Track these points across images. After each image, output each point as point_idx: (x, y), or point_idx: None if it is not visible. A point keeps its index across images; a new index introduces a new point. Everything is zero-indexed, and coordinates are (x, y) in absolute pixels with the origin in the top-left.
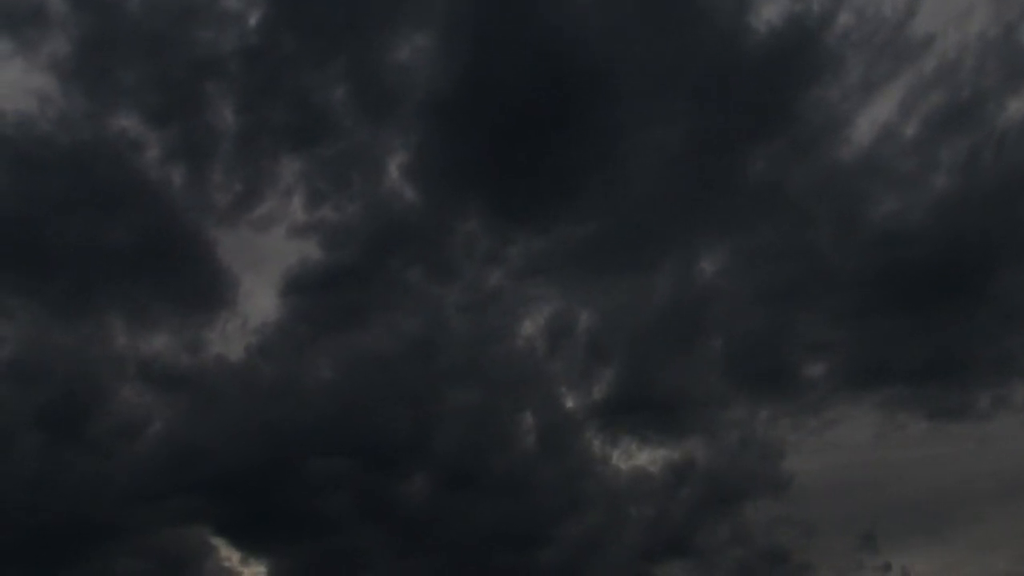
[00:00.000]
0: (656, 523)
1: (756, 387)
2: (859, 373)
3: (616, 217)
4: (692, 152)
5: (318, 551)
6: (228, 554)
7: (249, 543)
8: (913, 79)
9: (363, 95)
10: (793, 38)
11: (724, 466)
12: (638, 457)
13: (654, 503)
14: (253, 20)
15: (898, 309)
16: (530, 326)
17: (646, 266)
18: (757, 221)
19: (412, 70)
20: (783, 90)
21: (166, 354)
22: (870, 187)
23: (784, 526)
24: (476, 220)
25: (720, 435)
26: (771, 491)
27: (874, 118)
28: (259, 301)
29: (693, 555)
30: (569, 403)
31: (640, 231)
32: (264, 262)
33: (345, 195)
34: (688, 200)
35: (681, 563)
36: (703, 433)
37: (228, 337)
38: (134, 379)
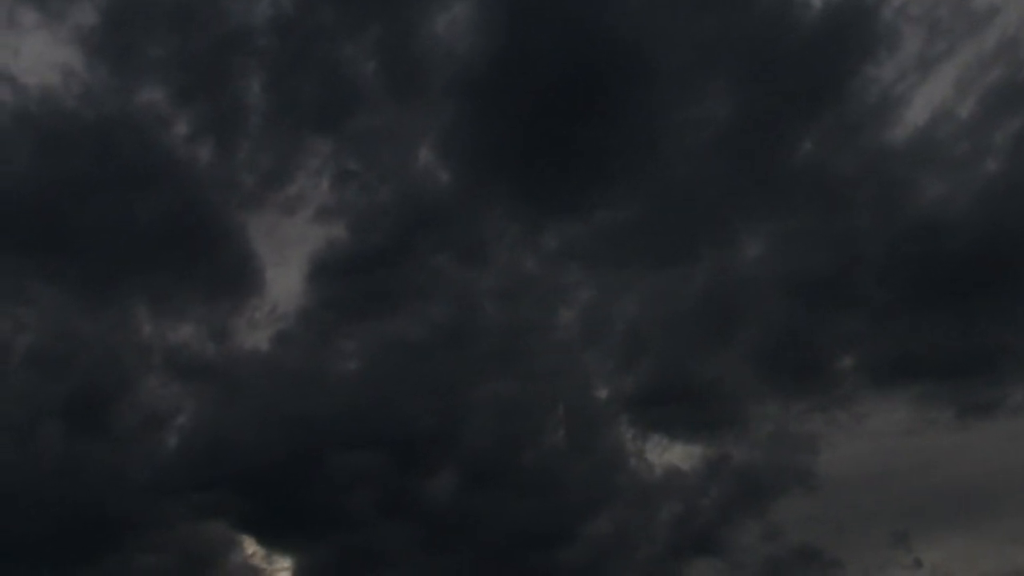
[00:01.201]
0: (685, 520)
1: (788, 380)
2: (891, 366)
3: (654, 202)
4: (735, 135)
5: (343, 547)
6: (252, 550)
7: (274, 539)
8: (972, 56)
9: (394, 71)
10: (848, 10)
11: (755, 461)
12: (669, 452)
13: (684, 499)
14: None
15: (934, 301)
16: (564, 315)
17: (684, 254)
18: (800, 207)
19: (445, 45)
20: (834, 68)
21: (192, 343)
22: (917, 172)
23: (814, 522)
24: (509, 204)
25: (752, 430)
26: (802, 487)
27: (929, 98)
28: (286, 287)
29: (722, 553)
30: (601, 396)
31: (679, 217)
32: (291, 246)
33: (374, 176)
34: (730, 185)
35: (709, 561)
36: (735, 427)
37: (255, 325)
38: (159, 369)
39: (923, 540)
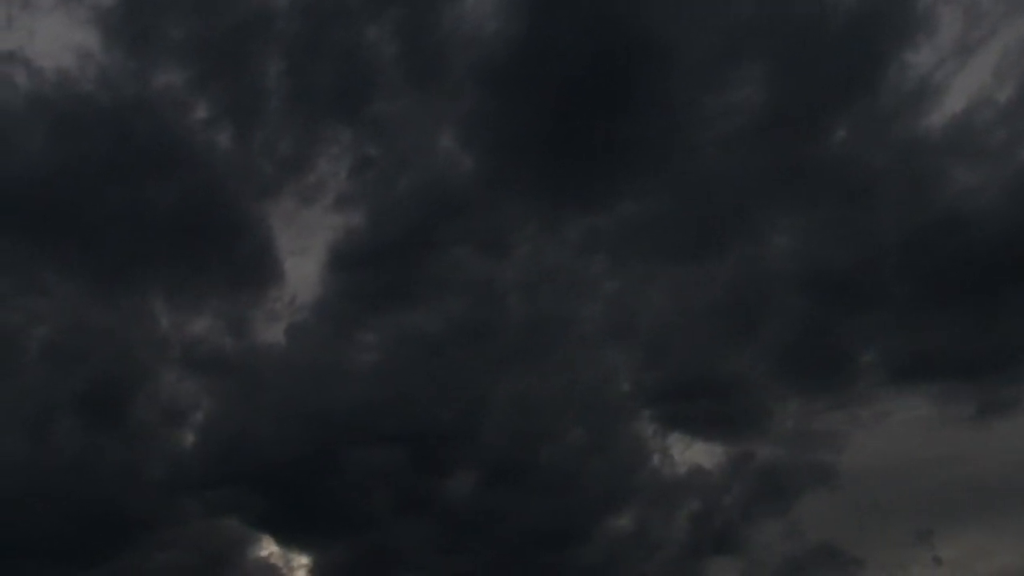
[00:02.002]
0: (704, 517)
1: (810, 377)
2: (913, 363)
3: (680, 194)
4: (764, 124)
5: (361, 545)
6: (270, 548)
7: (291, 537)
8: (1012, 40)
9: (415, 56)
10: None
11: (776, 459)
12: (690, 449)
13: (704, 497)
14: None
15: (958, 296)
16: (587, 309)
17: (710, 248)
18: (828, 200)
19: (467, 30)
20: (870, 54)
21: (209, 336)
22: (949, 162)
23: (835, 520)
24: (532, 194)
25: (773, 426)
26: (823, 484)
27: (966, 84)
28: (304, 277)
29: (741, 551)
30: (623, 391)
31: (704, 210)
32: (310, 234)
33: (394, 164)
34: (757, 177)
35: (728, 560)
36: (756, 424)
37: (273, 317)
38: (175, 363)
39: (944, 537)
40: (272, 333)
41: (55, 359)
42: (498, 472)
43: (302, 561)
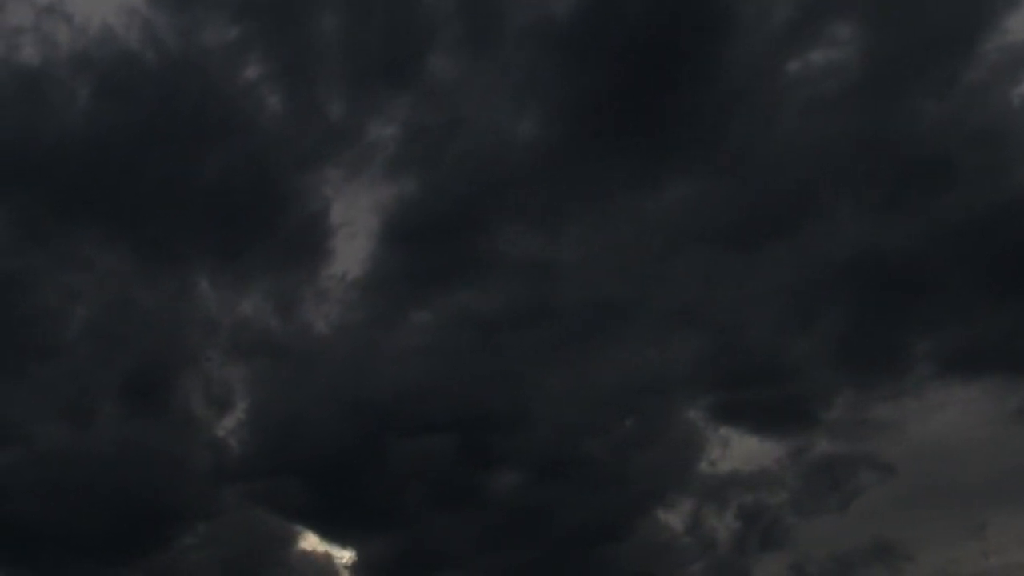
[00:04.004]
0: (754, 512)
1: (864, 367)
2: (969, 354)
3: (748, 175)
4: (844, 94)
5: (404, 540)
6: (313, 541)
7: (334, 530)
8: None
9: (473, 16)
10: None
11: (827, 451)
12: (742, 442)
13: (754, 490)
14: None
15: (1018, 287)
16: (648, 293)
17: (781, 231)
18: (898, 178)
19: None
20: (966, 19)
21: (256, 317)
22: None
23: (886, 513)
24: (593, 168)
25: (825, 418)
26: (876, 478)
27: None
28: (355, 253)
29: (790, 546)
30: (677, 381)
31: (777, 193)
32: (361, 206)
33: (449, 130)
34: (838, 156)
35: (775, 556)
36: (808, 416)
37: (323, 296)
38: (221, 344)
39: (999, 532)
40: (321, 313)
41: (96, 341)
42: (547, 465)
43: (345, 555)
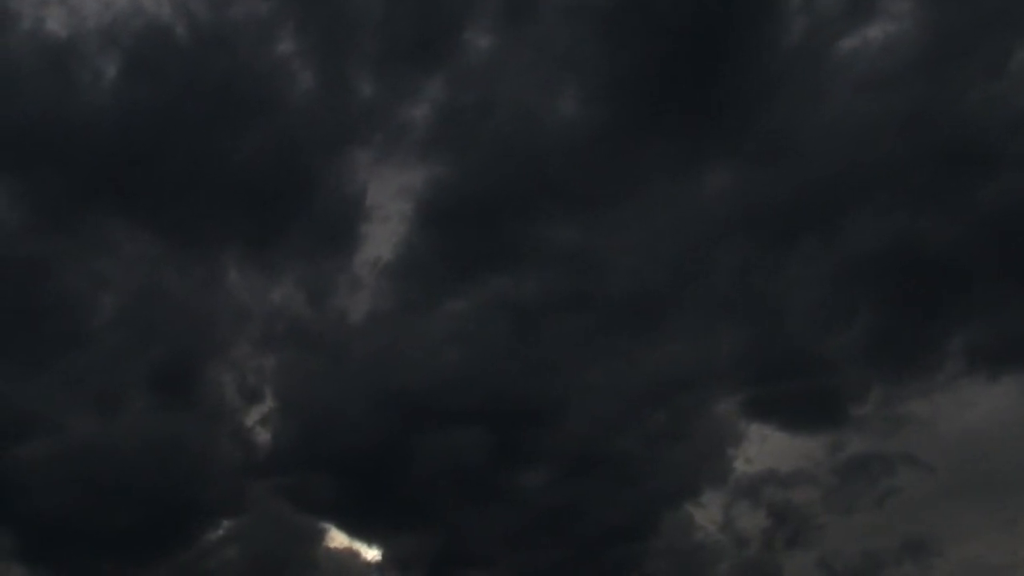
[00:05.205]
0: (784, 509)
1: (897, 363)
2: (1003, 350)
3: (791, 162)
4: (906, 70)
5: (432, 538)
6: (340, 538)
7: (360, 527)
8: None
9: None
10: None
11: (857, 447)
12: (773, 439)
13: (784, 487)
14: None
15: None
16: (686, 285)
17: (820, 221)
18: (939, 165)
19: None
20: None
21: (287, 304)
22: None
23: (916, 510)
24: (634, 150)
25: (856, 414)
26: (907, 475)
27: None
28: (388, 240)
29: (819, 544)
30: (712, 375)
31: (817, 181)
32: (395, 189)
33: (486, 112)
34: (882, 142)
35: (805, 552)
36: (839, 412)
37: (356, 283)
38: (249, 333)
39: None
40: (354, 301)
41: (123, 330)
42: (578, 461)
43: (373, 554)
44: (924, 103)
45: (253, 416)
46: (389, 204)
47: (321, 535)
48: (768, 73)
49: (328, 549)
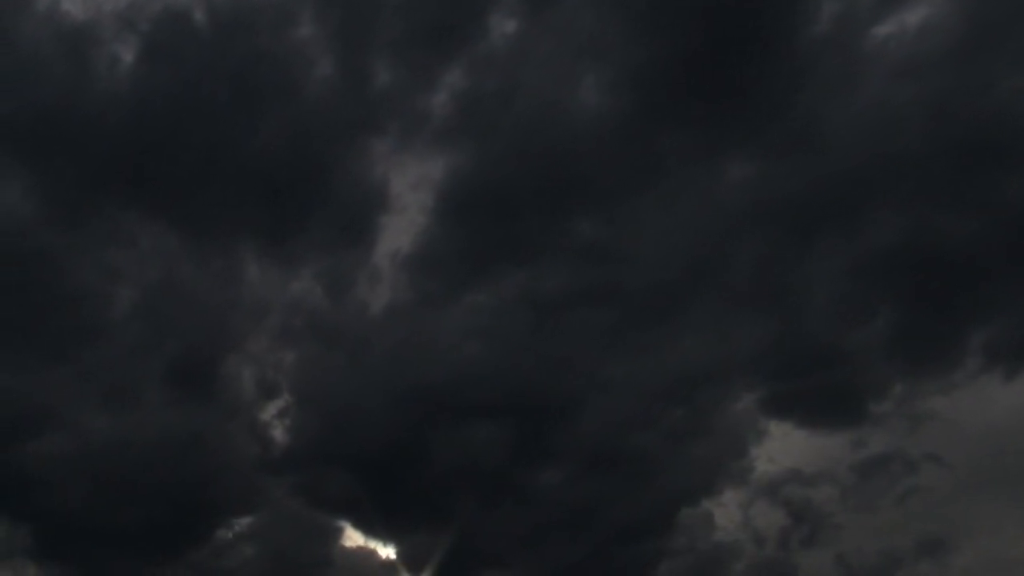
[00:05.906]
0: (802, 509)
1: (916, 360)
2: (1021, 348)
3: (814, 152)
4: (940, 57)
5: (447, 537)
6: (356, 536)
7: (375, 525)
8: None
9: None
10: None
11: (875, 445)
12: (791, 436)
13: (802, 486)
14: None
15: None
16: (708, 279)
17: (842, 213)
18: (974, 164)
19: None
20: None
21: (305, 298)
22: None
23: (936, 507)
24: (659, 140)
25: (875, 412)
26: (926, 473)
27: None
28: (407, 232)
29: (837, 541)
30: (732, 372)
31: (840, 173)
32: (415, 179)
33: (506, 100)
34: (907, 134)
35: (822, 550)
36: (858, 409)
37: (375, 276)
38: (266, 327)
39: None
40: (374, 294)
41: (139, 324)
42: (595, 459)
43: (388, 552)
44: (950, 94)
45: (270, 411)
46: (408, 195)
47: (337, 533)
48: (796, 62)
49: (343, 547)
